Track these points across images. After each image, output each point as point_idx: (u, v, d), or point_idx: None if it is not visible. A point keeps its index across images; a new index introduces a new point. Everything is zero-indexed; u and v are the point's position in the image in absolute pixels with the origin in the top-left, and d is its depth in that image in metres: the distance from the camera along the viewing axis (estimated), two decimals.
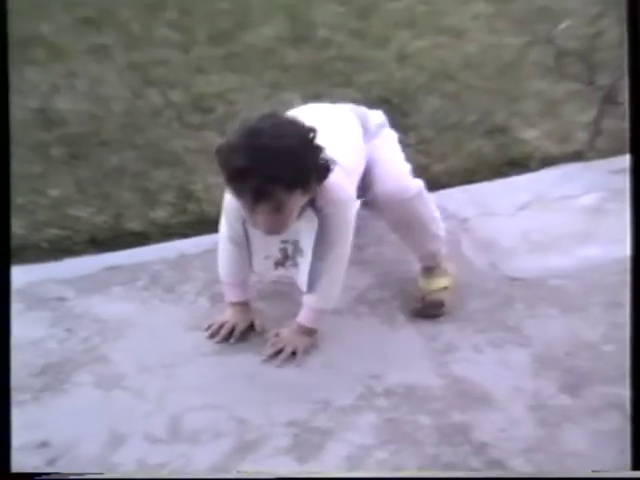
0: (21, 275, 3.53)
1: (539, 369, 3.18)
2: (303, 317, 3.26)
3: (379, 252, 3.66)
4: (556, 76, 4.61)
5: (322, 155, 2.96)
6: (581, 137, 4.29)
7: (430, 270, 3.49)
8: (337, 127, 3.34)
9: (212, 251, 3.60)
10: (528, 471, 2.84)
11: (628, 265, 3.58)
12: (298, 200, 2.95)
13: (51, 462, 2.83)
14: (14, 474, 0.81)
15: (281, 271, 3.26)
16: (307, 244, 3.16)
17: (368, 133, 3.44)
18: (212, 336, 3.28)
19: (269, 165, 2.75)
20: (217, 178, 3.93)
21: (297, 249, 3.21)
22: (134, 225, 3.80)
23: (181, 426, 2.96)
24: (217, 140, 4.15)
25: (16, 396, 3.03)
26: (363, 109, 3.56)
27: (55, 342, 3.27)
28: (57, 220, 3.77)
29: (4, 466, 0.78)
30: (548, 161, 4.16)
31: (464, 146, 4.26)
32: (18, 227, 3.71)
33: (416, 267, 3.51)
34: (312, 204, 3.08)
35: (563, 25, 5.09)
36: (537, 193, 3.98)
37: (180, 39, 4.94)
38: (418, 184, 3.40)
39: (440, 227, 3.49)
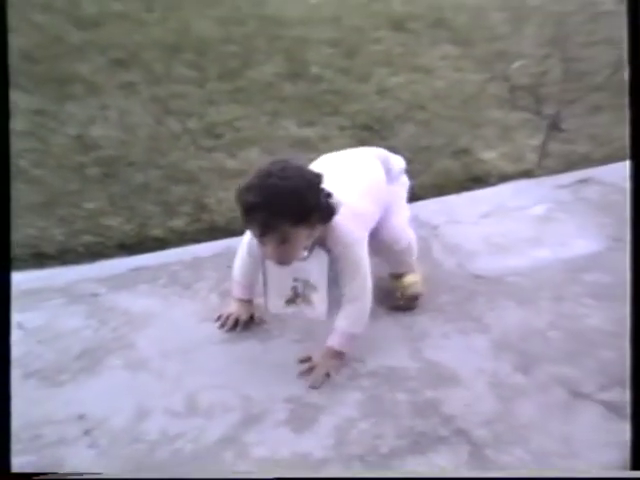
0: (61, 275, 3.58)
1: (497, 352, 3.21)
2: (335, 341, 3.16)
3: None
4: (510, 107, 4.65)
5: (327, 198, 2.98)
6: (531, 158, 4.33)
7: (401, 274, 3.52)
8: (354, 174, 3.34)
9: (222, 254, 3.69)
10: (506, 461, 2.85)
11: (571, 265, 3.64)
12: (302, 235, 2.95)
13: (87, 432, 2.87)
14: (14, 474, 0.80)
15: (292, 308, 3.22)
16: (318, 281, 3.14)
17: (390, 175, 3.44)
18: (221, 326, 3.31)
19: (275, 202, 2.80)
20: (226, 193, 4.00)
21: (308, 286, 3.17)
22: (156, 232, 3.83)
23: (196, 402, 3.00)
24: (227, 161, 4.23)
25: (58, 376, 3.09)
26: (387, 154, 3.52)
27: (90, 331, 3.30)
28: (92, 228, 3.81)
29: (4, 466, 0.76)
30: (504, 178, 4.20)
31: (434, 165, 4.28)
32: (59, 234, 3.76)
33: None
34: (322, 244, 3.08)
35: (516, 64, 5.14)
36: (495, 204, 4.01)
37: (195, 76, 4.97)
38: (411, 235, 3.48)
39: (413, 245, 3.51)
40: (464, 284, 3.57)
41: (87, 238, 3.77)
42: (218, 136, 4.46)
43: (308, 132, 4.38)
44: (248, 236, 3.18)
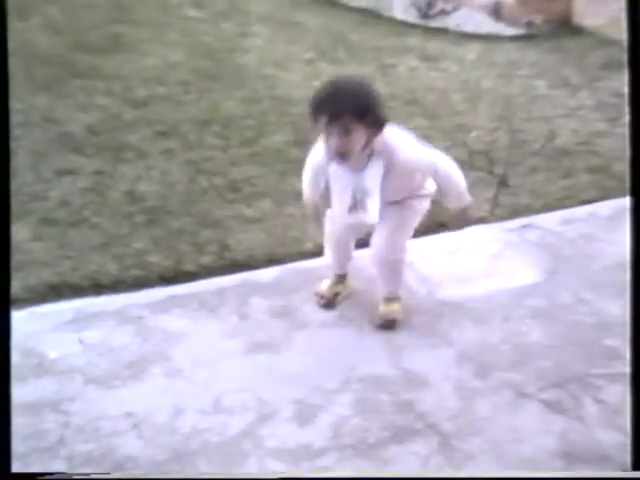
0: (114, 301, 3.55)
1: (460, 362, 3.18)
2: (461, 202, 3.33)
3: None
4: (469, 167, 4.61)
5: (382, 108, 2.94)
6: (485, 207, 4.31)
7: (390, 299, 3.41)
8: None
9: (241, 285, 3.66)
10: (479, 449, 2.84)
11: (516, 292, 3.63)
12: (361, 133, 2.88)
13: (135, 426, 2.86)
14: (14, 474, 0.75)
15: (353, 215, 3.11)
16: (373, 186, 3.02)
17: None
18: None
19: (342, 94, 2.84)
20: (245, 235, 4.00)
21: (364, 192, 3.04)
22: (189, 267, 3.80)
23: (220, 403, 2.97)
24: (245, 210, 4.22)
25: (112, 382, 3.07)
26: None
27: (136, 346, 3.27)
28: (138, 264, 3.78)
29: (4, 466, 0.71)
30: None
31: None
32: (113, 269, 3.75)
33: (379, 295, 3.46)
34: (379, 156, 3.00)
35: (473, 134, 5.14)
36: (457, 245, 3.99)
37: (221, 143, 4.96)
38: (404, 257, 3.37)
39: (402, 264, 3.40)
40: (433, 308, 3.53)
41: (135, 272, 3.75)
42: (238, 190, 4.44)
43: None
44: (312, 161, 3.24)
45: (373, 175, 3.01)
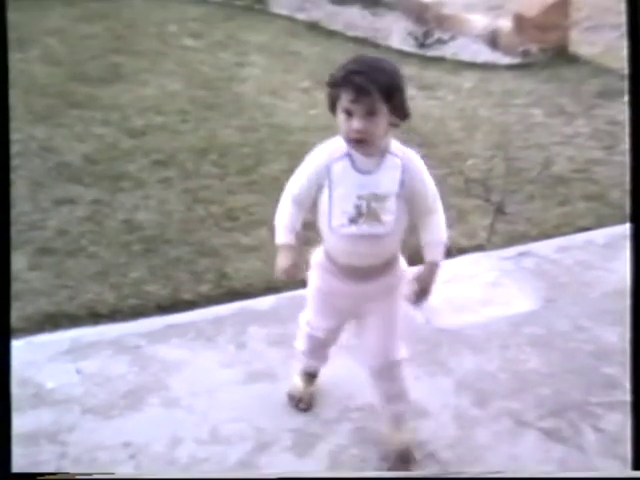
0: (111, 330, 3.54)
1: (458, 390, 3.18)
2: (435, 255, 2.67)
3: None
4: (465, 195, 4.65)
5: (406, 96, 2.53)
6: (482, 235, 4.32)
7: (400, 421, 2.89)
8: None
9: (238, 314, 3.66)
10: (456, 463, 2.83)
11: (514, 320, 3.63)
12: (385, 117, 2.44)
13: (132, 456, 2.84)
14: (14, 474, 0.73)
15: (353, 228, 2.52)
16: (390, 189, 2.51)
17: None
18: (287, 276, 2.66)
19: (371, 70, 2.40)
20: (243, 264, 3.99)
21: (376, 199, 2.50)
22: (186, 296, 3.79)
23: (218, 432, 2.96)
24: (242, 238, 4.21)
25: (109, 411, 3.06)
26: None
27: (133, 375, 3.25)
28: (136, 293, 3.78)
29: (5, 466, 0.69)
30: (461, 251, 4.17)
31: (407, 242, 4.25)
32: (110, 298, 3.74)
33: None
34: (392, 152, 2.54)
35: (469, 162, 5.16)
36: (455, 272, 3.98)
37: (218, 172, 4.96)
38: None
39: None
40: (431, 336, 3.53)
41: (132, 301, 3.74)
42: (236, 219, 4.44)
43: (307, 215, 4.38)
44: (296, 185, 2.67)
45: (389, 177, 2.52)
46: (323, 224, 2.62)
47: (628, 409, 3.09)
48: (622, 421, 3.04)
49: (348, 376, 3.26)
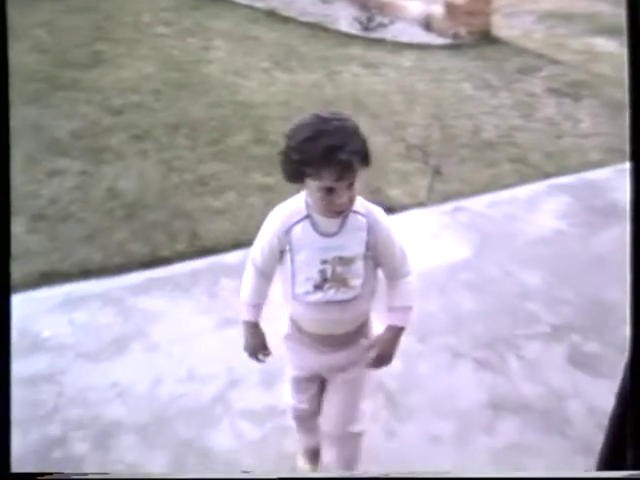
0: (99, 285, 3.50)
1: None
2: (399, 319, 2.14)
3: None
4: (407, 159, 4.64)
5: None
6: (422, 194, 4.32)
7: None
8: None
9: (210, 268, 3.63)
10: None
11: (451, 267, 3.63)
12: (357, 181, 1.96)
13: (120, 394, 2.83)
14: (14, 474, 0.67)
15: (319, 295, 2.04)
16: (356, 250, 2.02)
17: None
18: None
19: (352, 141, 1.87)
20: (213, 225, 3.95)
21: (342, 262, 2.02)
22: (164, 253, 3.75)
23: (194, 372, 2.95)
24: (212, 202, 4.17)
25: (98, 356, 3.03)
26: None
27: (118, 325, 3.22)
28: (119, 252, 3.73)
29: (4, 466, 0.64)
30: (404, 208, 4.17)
31: None
32: (97, 257, 3.69)
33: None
34: (354, 211, 2.02)
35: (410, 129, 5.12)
36: (399, 226, 3.94)
37: (189, 144, 4.90)
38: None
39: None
40: (379, 283, 3.50)
41: (117, 259, 3.69)
42: (206, 184, 4.40)
43: (269, 179, 4.33)
44: (259, 257, 2.14)
45: (354, 238, 2.03)
46: (286, 292, 2.13)
47: (545, 339, 3.13)
48: (540, 349, 3.09)
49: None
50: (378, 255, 2.07)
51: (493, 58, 7.06)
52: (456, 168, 4.69)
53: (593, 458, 2.47)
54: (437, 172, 4.55)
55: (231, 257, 3.70)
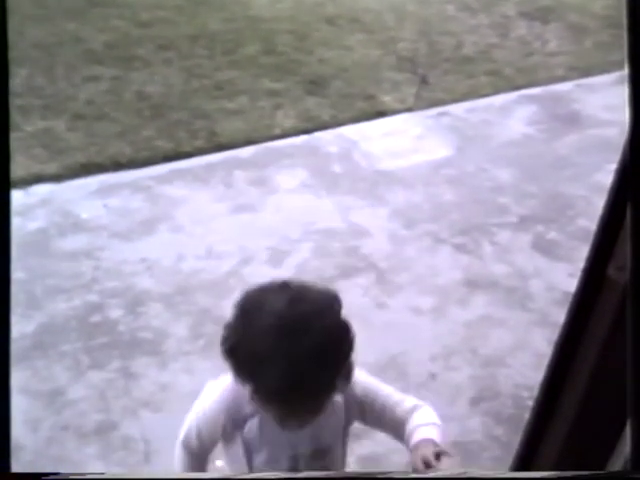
0: (128, 175, 3.37)
1: (392, 217, 3.08)
2: (428, 433, 1.27)
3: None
4: (398, 70, 4.45)
5: (350, 349, 1.20)
6: (410, 100, 4.14)
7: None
8: None
9: (225, 162, 3.49)
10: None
11: (434, 164, 3.52)
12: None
13: (148, 268, 2.76)
14: (14, 474, 0.57)
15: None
16: (332, 441, 1.35)
17: None
18: None
19: (308, 385, 1.13)
20: (229, 123, 3.80)
21: (317, 454, 1.32)
22: (186, 148, 3.59)
23: (212, 250, 2.87)
24: (227, 104, 3.98)
25: (129, 235, 2.97)
26: None
27: (147, 209, 3.12)
28: (147, 147, 3.58)
29: (4, 466, 0.54)
30: (395, 112, 4.00)
31: (354, 105, 4.08)
32: (128, 151, 3.54)
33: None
34: None
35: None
36: (390, 128, 3.81)
37: (207, 53, 4.69)
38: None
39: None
40: (372, 176, 3.39)
41: (144, 153, 3.55)
42: (221, 89, 4.22)
43: (277, 85, 4.19)
44: (193, 440, 1.34)
45: (330, 425, 1.32)
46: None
47: (514, 228, 3.05)
48: (509, 236, 3.01)
49: (309, 207, 3.17)
50: (373, 425, 1.39)
51: None
52: (440, 78, 4.51)
53: (549, 329, 2.46)
54: (424, 81, 4.36)
55: (244, 152, 3.57)
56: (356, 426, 1.40)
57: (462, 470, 0.61)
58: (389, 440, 1.41)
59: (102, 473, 1.84)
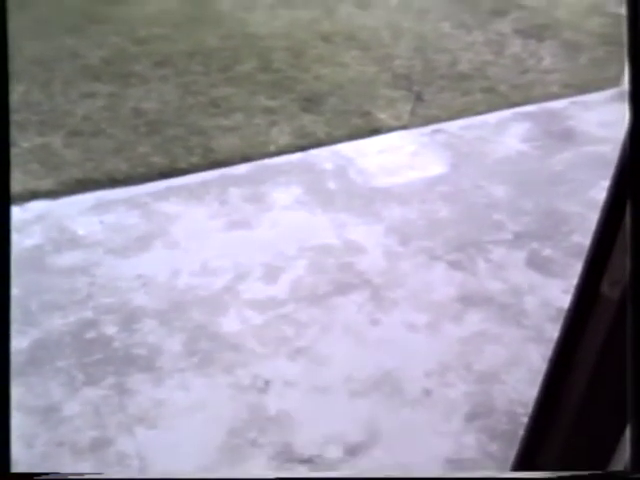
0: (125, 192, 3.37)
1: (388, 234, 3.09)
2: None
3: None
4: (393, 87, 4.47)
5: None
6: (406, 117, 4.17)
7: None
8: None
9: (220, 178, 3.48)
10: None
11: (429, 181, 3.53)
12: None
13: (144, 284, 2.75)
14: (14, 474, 0.54)
15: None
16: None
17: None
18: None
19: None
20: (225, 140, 3.81)
21: None
22: (181, 165, 3.60)
23: (207, 266, 2.87)
24: (223, 121, 4.00)
25: (125, 252, 2.95)
26: None
27: (142, 225, 3.12)
28: (143, 163, 3.59)
29: (4, 466, 0.51)
30: (390, 129, 4.02)
31: (349, 122, 4.10)
32: (124, 167, 3.55)
33: None
34: None
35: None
36: (386, 145, 3.83)
37: (204, 70, 4.71)
38: None
39: None
40: (368, 193, 3.40)
41: (140, 169, 3.56)
42: (218, 106, 4.23)
43: (272, 102, 4.21)
44: None
45: None
46: None
47: (508, 245, 3.05)
48: (504, 253, 3.01)
49: (304, 223, 3.17)
50: None
51: (469, 1, 6.79)
52: (435, 95, 4.53)
53: (544, 346, 2.47)
54: (419, 98, 4.39)
55: (239, 168, 3.57)
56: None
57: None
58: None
59: (100, 473, 2.04)
